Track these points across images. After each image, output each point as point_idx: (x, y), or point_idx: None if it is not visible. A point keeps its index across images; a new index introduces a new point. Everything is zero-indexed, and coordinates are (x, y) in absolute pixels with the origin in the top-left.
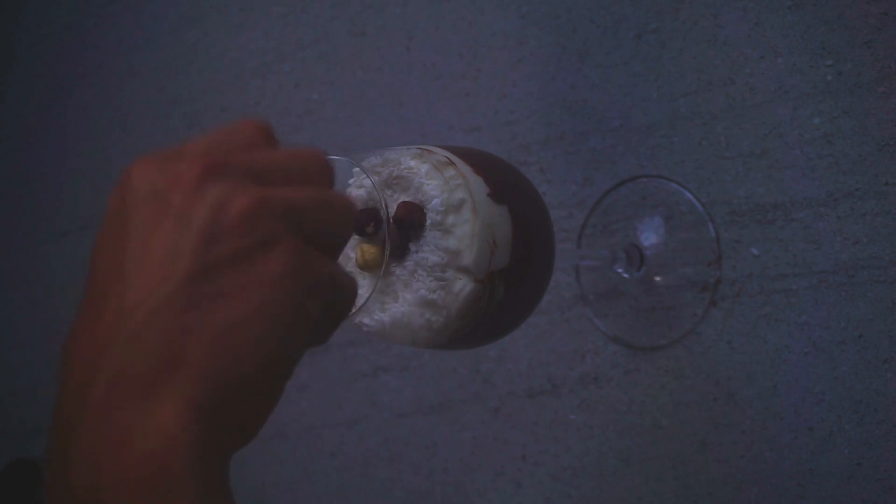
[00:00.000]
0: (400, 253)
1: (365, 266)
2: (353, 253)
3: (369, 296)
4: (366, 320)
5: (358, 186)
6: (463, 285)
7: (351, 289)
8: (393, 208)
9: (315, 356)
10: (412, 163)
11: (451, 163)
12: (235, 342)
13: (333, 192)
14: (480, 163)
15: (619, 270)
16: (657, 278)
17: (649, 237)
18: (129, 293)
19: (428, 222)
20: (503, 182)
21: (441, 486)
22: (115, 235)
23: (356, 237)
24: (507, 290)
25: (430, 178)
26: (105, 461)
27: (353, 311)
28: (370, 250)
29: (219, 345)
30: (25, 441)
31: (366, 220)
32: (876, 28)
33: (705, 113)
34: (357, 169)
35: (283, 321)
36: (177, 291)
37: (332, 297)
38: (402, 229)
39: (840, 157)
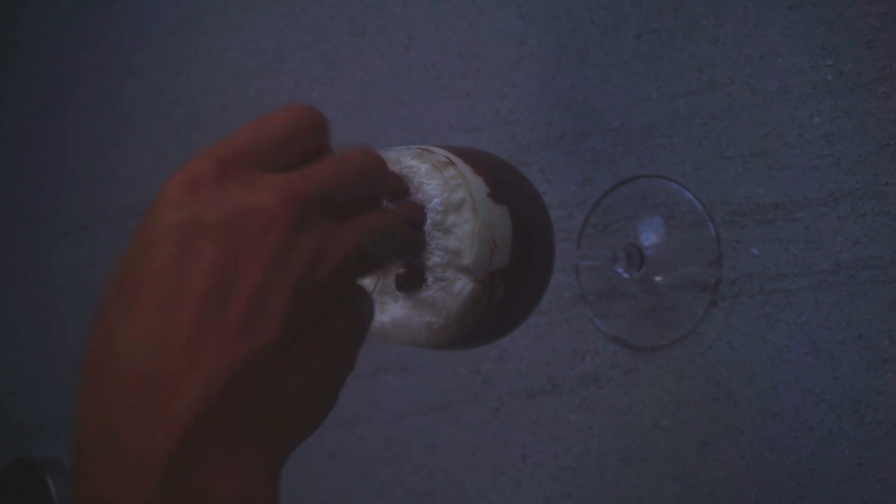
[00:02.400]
0: (409, 251)
1: None
2: None
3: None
4: None
5: None
6: (463, 285)
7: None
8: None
9: None
10: (412, 162)
11: (451, 163)
12: (310, 403)
13: (395, 219)
14: (480, 163)
15: (619, 270)
16: (657, 278)
17: (649, 237)
18: (210, 335)
19: (428, 222)
20: (503, 182)
21: (441, 486)
22: (187, 258)
23: None
24: (507, 290)
25: (430, 178)
26: None
27: None
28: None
29: (296, 409)
30: (25, 441)
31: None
32: (876, 28)
33: (705, 113)
34: None
35: (346, 375)
36: (264, 352)
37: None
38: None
39: (840, 157)
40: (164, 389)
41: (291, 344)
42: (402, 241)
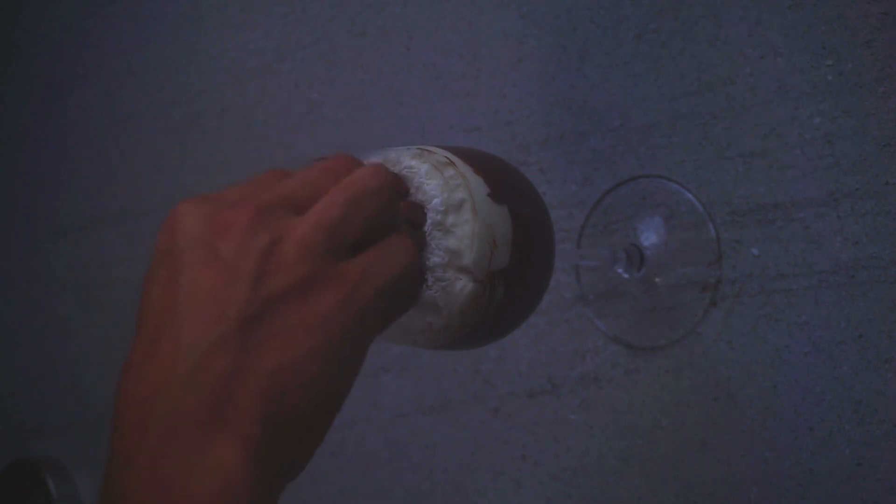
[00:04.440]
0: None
1: None
2: None
3: None
4: None
5: None
6: (463, 285)
7: (411, 272)
8: None
9: None
10: (412, 162)
11: (451, 163)
12: (288, 383)
13: (362, 181)
14: (480, 163)
15: (619, 270)
16: (657, 278)
17: (649, 237)
18: (183, 335)
19: (428, 222)
20: (503, 182)
21: (441, 486)
22: (166, 277)
23: None
24: (507, 291)
25: (430, 178)
26: (160, 502)
27: None
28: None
29: (271, 386)
30: (25, 441)
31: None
32: (876, 28)
33: (705, 113)
34: None
35: (334, 357)
36: (229, 335)
37: (391, 303)
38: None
39: (840, 156)
40: (130, 381)
41: (258, 325)
42: (378, 197)
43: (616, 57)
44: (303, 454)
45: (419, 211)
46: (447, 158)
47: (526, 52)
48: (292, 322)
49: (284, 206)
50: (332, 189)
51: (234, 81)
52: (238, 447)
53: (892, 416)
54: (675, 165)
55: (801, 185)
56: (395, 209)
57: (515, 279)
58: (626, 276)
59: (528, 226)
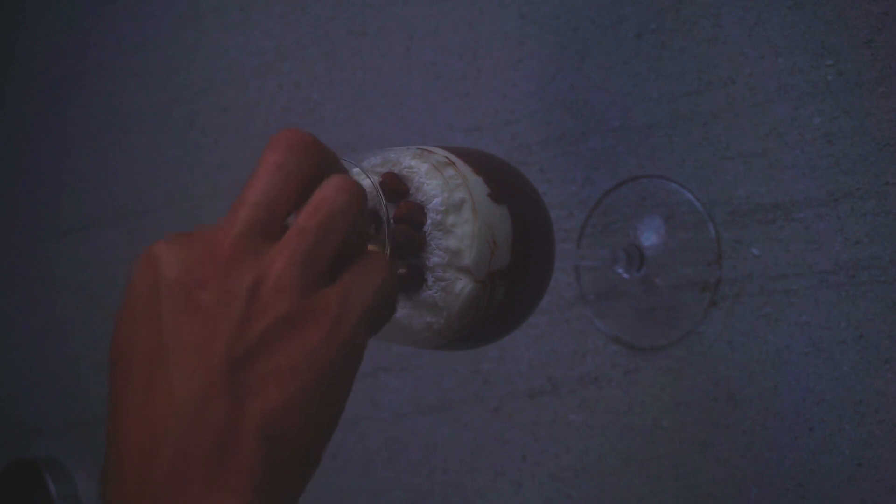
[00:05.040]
0: (411, 251)
1: None
2: None
3: None
4: None
5: None
6: (463, 285)
7: (389, 290)
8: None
9: None
10: (412, 162)
11: (451, 163)
12: (284, 425)
13: (335, 193)
14: (480, 163)
15: (619, 270)
16: (657, 278)
17: (649, 237)
18: (176, 384)
19: (428, 222)
20: (503, 182)
21: (441, 486)
22: (150, 321)
23: None
24: (507, 291)
25: (430, 178)
26: None
27: None
28: (372, 250)
29: (268, 430)
30: (25, 441)
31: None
32: (876, 28)
33: (705, 113)
34: (357, 169)
35: (326, 391)
36: (219, 382)
37: (374, 323)
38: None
39: (840, 157)
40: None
41: (245, 371)
42: (348, 214)
43: (616, 57)
44: (301, 483)
45: (419, 211)
46: (447, 158)
47: (526, 52)
48: (280, 363)
49: (252, 233)
50: (301, 214)
51: (234, 81)
52: (242, 493)
53: (892, 416)
54: (675, 165)
55: (801, 185)
56: (365, 219)
57: (515, 279)
58: (626, 276)
59: (528, 226)
